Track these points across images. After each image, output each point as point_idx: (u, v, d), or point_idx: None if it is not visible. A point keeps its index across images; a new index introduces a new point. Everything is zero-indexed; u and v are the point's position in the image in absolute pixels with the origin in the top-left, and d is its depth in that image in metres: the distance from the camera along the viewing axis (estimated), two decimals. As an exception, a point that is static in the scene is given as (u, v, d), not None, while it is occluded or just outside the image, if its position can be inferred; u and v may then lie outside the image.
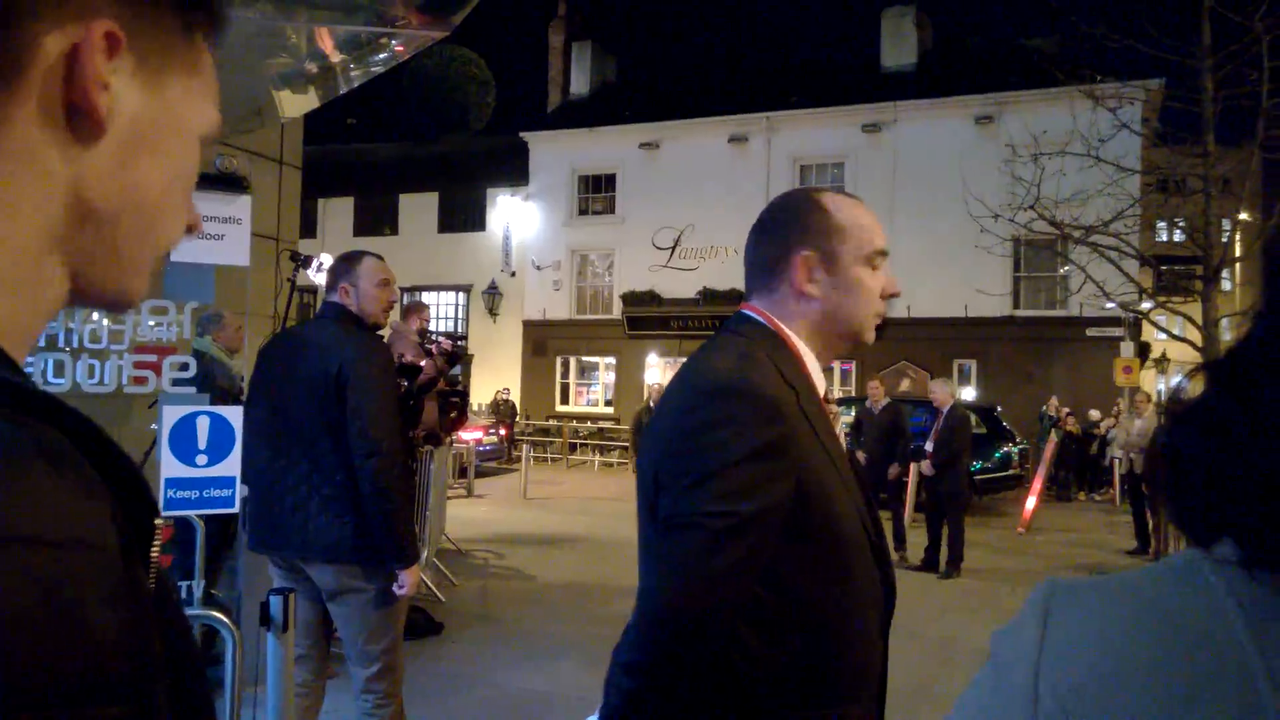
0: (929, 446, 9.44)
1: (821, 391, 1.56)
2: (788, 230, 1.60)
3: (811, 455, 1.42)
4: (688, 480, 1.35)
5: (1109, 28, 10.31)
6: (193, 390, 2.81)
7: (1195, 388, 0.62)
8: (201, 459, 2.86)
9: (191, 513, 2.94)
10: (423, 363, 6.47)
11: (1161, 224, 14.85)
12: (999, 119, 21.25)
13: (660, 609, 1.33)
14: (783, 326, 1.56)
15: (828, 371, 1.72)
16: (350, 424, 3.09)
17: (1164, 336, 11.14)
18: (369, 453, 3.07)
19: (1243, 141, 10.26)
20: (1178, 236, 12.76)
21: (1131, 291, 11.31)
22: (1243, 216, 11.21)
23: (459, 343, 7.34)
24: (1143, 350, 14.61)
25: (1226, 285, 9.99)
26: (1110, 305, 12.00)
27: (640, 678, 1.33)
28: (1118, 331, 17.66)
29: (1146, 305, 12.12)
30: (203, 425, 2.84)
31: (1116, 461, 13.95)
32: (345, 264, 3.37)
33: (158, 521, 0.52)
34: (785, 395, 1.42)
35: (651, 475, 1.44)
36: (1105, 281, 10.95)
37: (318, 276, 5.62)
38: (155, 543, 0.52)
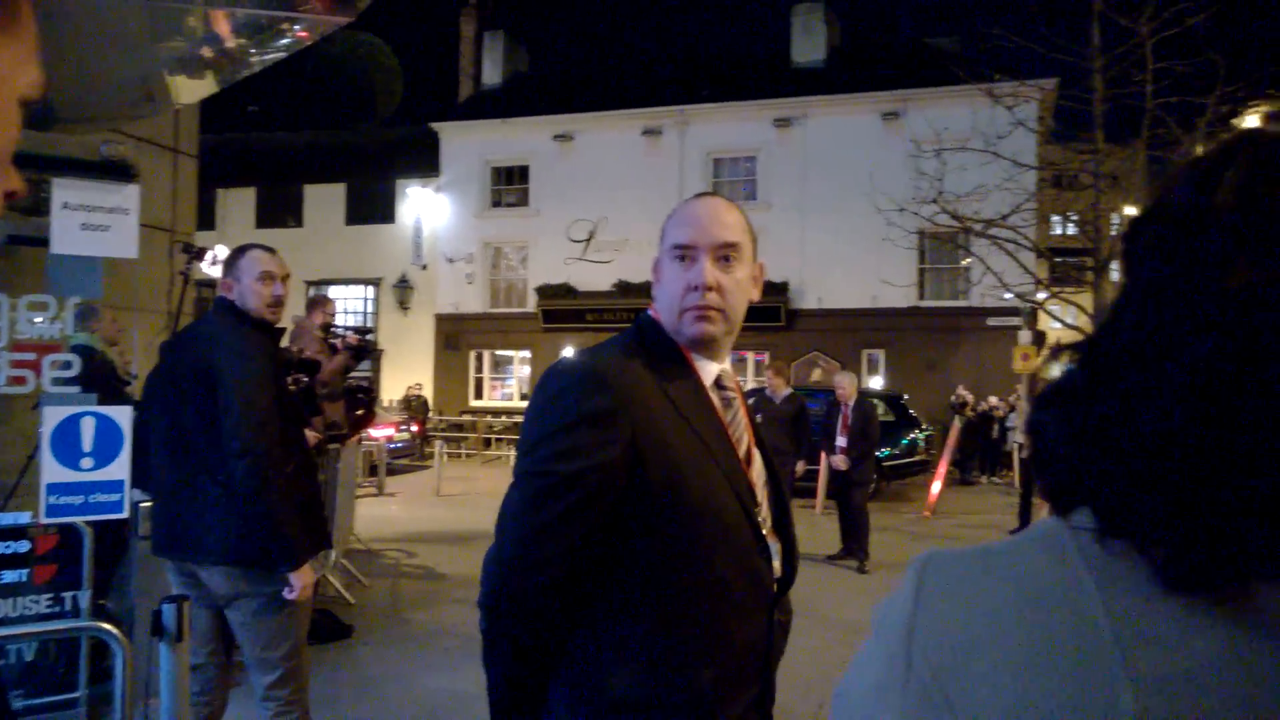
0: (842, 441, 9.43)
1: (710, 379, 1.65)
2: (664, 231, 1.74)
3: (661, 430, 1.51)
4: (524, 447, 1.54)
5: (1006, 29, 10.68)
6: (76, 389, 2.65)
7: (1056, 367, 0.66)
8: (86, 462, 2.71)
9: (77, 519, 2.78)
10: (325, 358, 6.32)
11: (1056, 218, 15.44)
12: (904, 115, 21.78)
13: (493, 555, 1.51)
14: (661, 319, 1.68)
15: (738, 363, 1.77)
16: (223, 421, 2.99)
17: (1059, 325, 11.56)
18: (239, 452, 2.97)
19: (1130, 139, 10.74)
20: (1071, 230, 13.29)
21: (1028, 282, 11.74)
22: (1130, 211, 11.70)
23: (366, 337, 7.17)
24: (1039, 338, 15.19)
25: (1115, 276, 10.40)
26: (1008, 296, 12.43)
27: (489, 616, 1.53)
28: (1016, 321, 18.30)
29: (1042, 295, 12.59)
30: (88, 426, 2.70)
31: (1017, 446, 14.40)
32: (230, 258, 3.25)
33: None
34: (626, 374, 1.53)
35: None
36: (1004, 273, 11.34)
37: (213, 270, 5.42)
38: None
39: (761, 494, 1.64)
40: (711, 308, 1.60)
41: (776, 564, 1.62)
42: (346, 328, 7.28)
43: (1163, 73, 9.97)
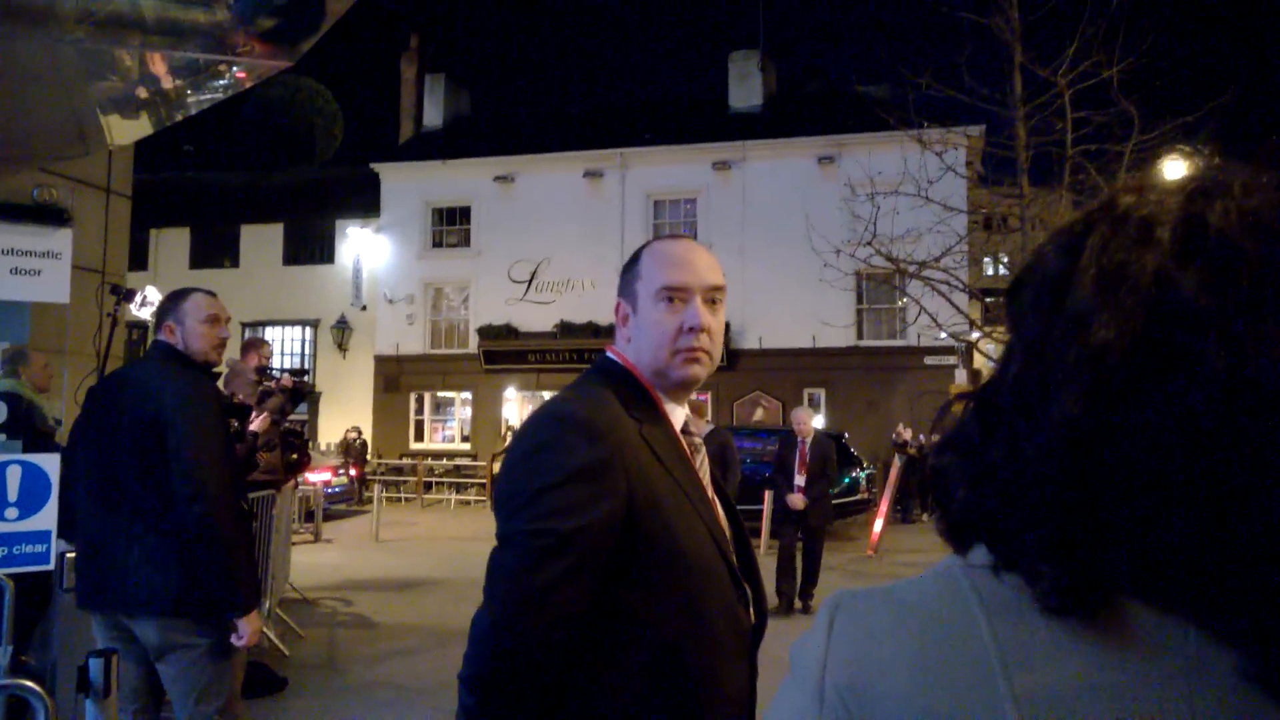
0: (800, 479, 8.78)
1: (678, 424, 1.63)
2: (620, 281, 1.71)
3: (650, 480, 1.48)
4: (515, 502, 1.44)
5: (934, 78, 11.06)
6: (2, 437, 2.58)
7: (955, 413, 0.72)
8: (11, 512, 2.62)
9: (1, 571, 2.69)
10: (255, 403, 6.22)
11: (987, 259, 15.88)
12: (839, 160, 22.30)
13: (488, 624, 1.39)
14: (632, 365, 1.64)
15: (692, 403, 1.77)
16: (172, 468, 2.95)
17: (993, 364, 11.86)
18: (191, 497, 2.93)
19: (1053, 184, 11.16)
20: (1002, 271, 13.68)
21: (962, 322, 12.03)
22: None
23: (301, 379, 7.05)
24: (975, 377, 15.53)
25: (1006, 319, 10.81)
26: (944, 335, 12.71)
27: (476, 692, 1.39)
28: (952, 360, 18.72)
29: (975, 335, 12.89)
30: (13, 476, 2.61)
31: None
32: (170, 301, 3.22)
33: None
34: (617, 422, 1.49)
35: (495, 502, 1.51)
36: (938, 313, 11.61)
37: (141, 311, 5.31)
38: None
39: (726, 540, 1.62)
40: (703, 350, 1.60)
41: (750, 611, 1.61)
42: (282, 370, 7.17)
43: (1081, 122, 10.42)
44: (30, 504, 2.64)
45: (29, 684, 2.45)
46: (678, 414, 1.64)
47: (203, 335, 3.17)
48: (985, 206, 12.80)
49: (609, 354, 1.68)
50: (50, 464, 2.67)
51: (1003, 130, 11.18)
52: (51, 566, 2.73)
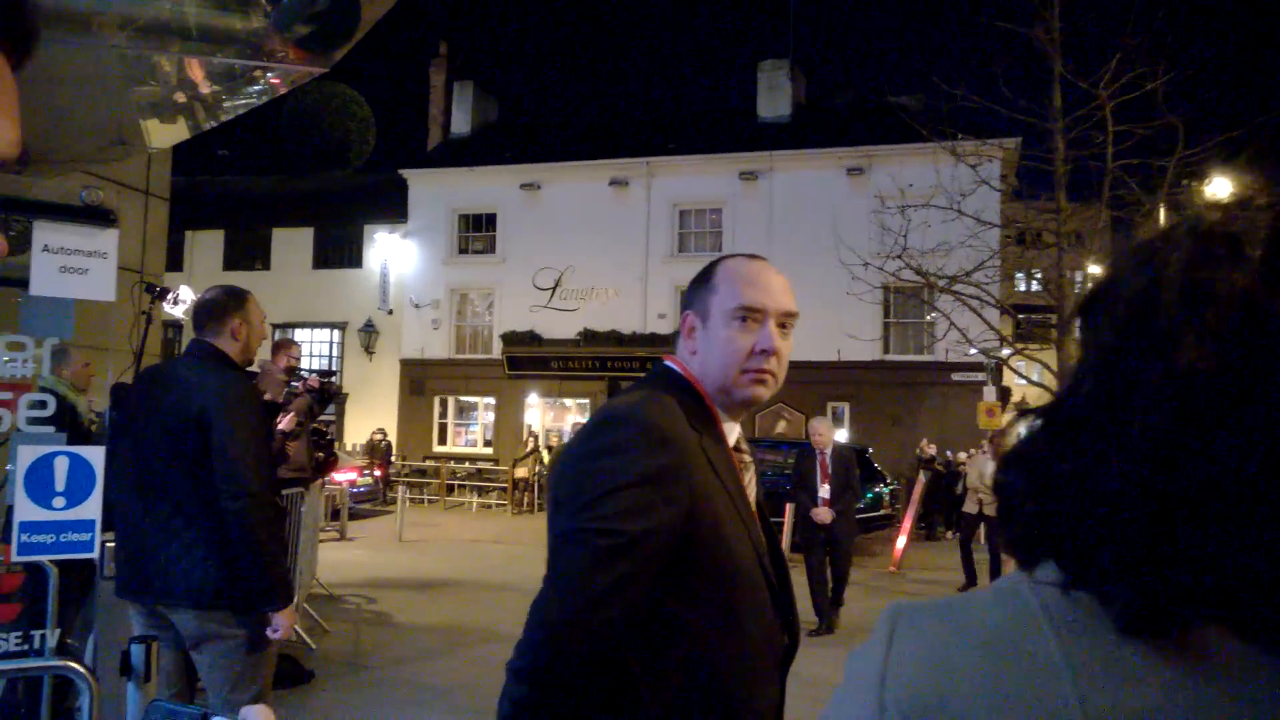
0: (824, 492, 8.55)
1: (731, 441, 1.64)
2: (688, 292, 1.71)
3: (708, 493, 1.48)
4: (581, 500, 1.43)
5: (969, 89, 10.97)
6: (51, 429, 2.64)
7: (1019, 430, 0.71)
8: (59, 501, 2.68)
9: (44, 558, 2.76)
10: (286, 400, 6.31)
11: (1020, 275, 15.72)
12: (868, 171, 22.23)
13: (545, 619, 1.38)
14: (695, 378, 1.64)
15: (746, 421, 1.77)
16: (215, 465, 3.03)
17: (1023, 382, 11.73)
18: (235, 494, 3.01)
19: (1092, 199, 11.01)
20: (1035, 287, 13.54)
21: (992, 339, 11.92)
22: (1093, 269, 11.95)
23: (329, 379, 7.14)
24: (1004, 394, 15.35)
25: (1078, 334, 10.62)
26: (973, 351, 12.60)
27: (525, 684, 1.38)
28: (981, 376, 18.55)
29: (1006, 352, 12.77)
30: (61, 466, 2.67)
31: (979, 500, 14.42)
32: (234, 301, 3.33)
33: None
34: (682, 431, 1.50)
35: (553, 500, 1.50)
36: (968, 329, 11.51)
37: (174, 310, 5.38)
38: None
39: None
40: (771, 373, 1.61)
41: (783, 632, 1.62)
42: (310, 371, 7.25)
43: (1123, 135, 10.26)
44: (76, 494, 2.70)
45: (75, 666, 2.52)
46: (732, 431, 1.65)
47: (262, 335, 3.34)
48: (1019, 220, 12.66)
49: (669, 364, 1.69)
50: (96, 456, 2.73)
51: (1040, 143, 11.05)
52: (96, 555, 2.79)
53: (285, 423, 6.53)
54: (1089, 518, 0.61)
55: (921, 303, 17.28)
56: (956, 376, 20.36)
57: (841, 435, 21.65)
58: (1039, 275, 11.80)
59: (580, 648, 1.36)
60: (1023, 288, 18.58)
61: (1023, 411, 0.72)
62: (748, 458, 1.68)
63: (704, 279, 1.68)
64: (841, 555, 8.61)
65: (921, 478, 15.02)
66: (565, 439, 22.79)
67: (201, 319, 3.28)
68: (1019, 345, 12.33)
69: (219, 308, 3.30)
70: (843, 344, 21.11)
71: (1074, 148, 10.65)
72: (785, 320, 1.63)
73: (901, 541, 13.26)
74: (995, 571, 11.04)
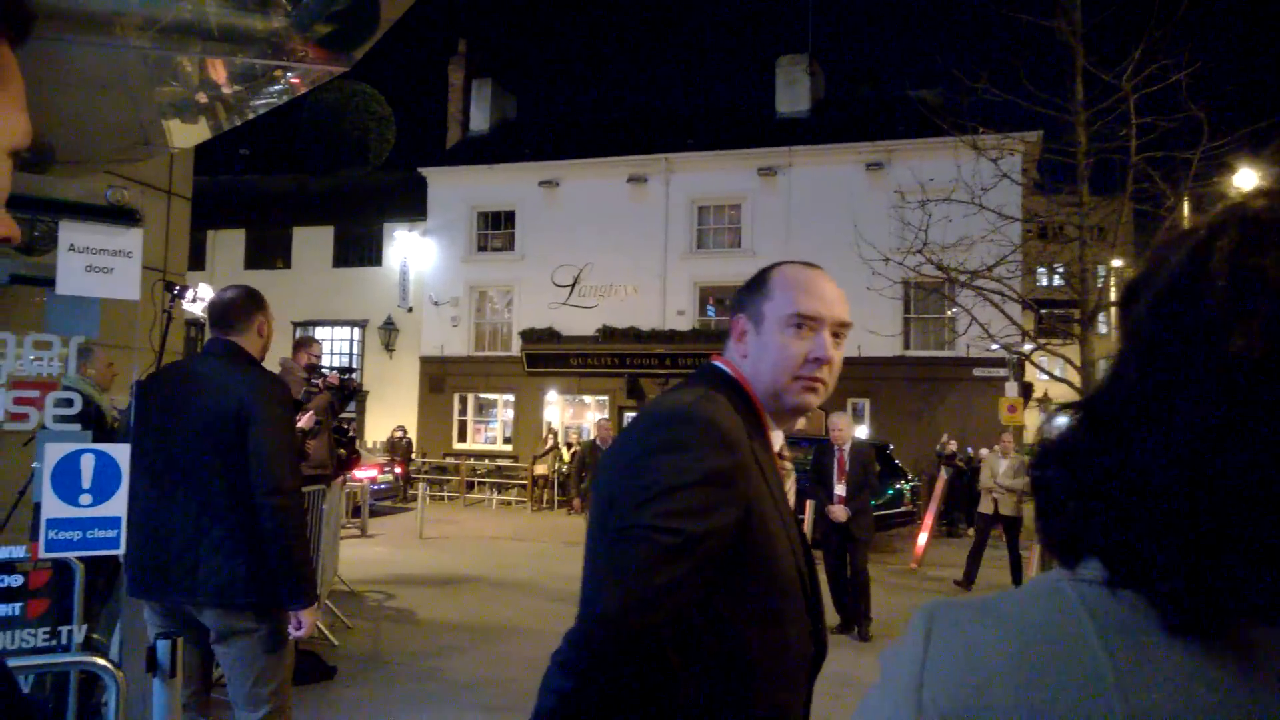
0: (840, 490, 8.38)
1: (776, 446, 1.64)
2: (740, 294, 1.71)
3: (760, 496, 1.48)
4: (642, 496, 1.40)
5: (990, 82, 10.86)
6: (77, 427, 2.67)
7: (1056, 424, 0.70)
8: (85, 498, 2.71)
9: (71, 554, 2.79)
10: (306, 398, 6.38)
11: (1041, 269, 15.57)
12: (888, 165, 22.11)
13: (600, 614, 1.36)
14: (745, 378, 1.64)
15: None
16: (251, 462, 3.09)
17: (1045, 377, 11.62)
18: (272, 490, 3.07)
19: (1115, 192, 10.89)
20: (1057, 281, 13.42)
21: (1014, 334, 11.82)
22: (1116, 263, 11.85)
23: (348, 376, 7.18)
24: (1026, 390, 15.21)
25: (1103, 329, 10.50)
26: (995, 347, 12.50)
27: (575, 678, 1.36)
28: (1002, 372, 18.44)
29: (1028, 347, 12.65)
30: (87, 464, 2.70)
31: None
32: (257, 301, 3.41)
33: None
34: (740, 434, 1.49)
35: (607, 495, 1.48)
36: (990, 324, 11.42)
37: (192, 307, 5.42)
38: None
39: None
40: (822, 381, 1.62)
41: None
42: (330, 368, 7.30)
43: (1146, 128, 10.14)
44: (102, 491, 2.73)
45: (102, 661, 2.55)
46: (777, 437, 1.65)
47: (273, 335, 3.44)
48: (1041, 214, 12.54)
49: (719, 364, 1.68)
50: (121, 453, 2.76)
51: (1061, 136, 10.91)
52: (121, 551, 2.83)
53: (304, 420, 6.58)
54: (1135, 512, 0.60)
55: (942, 298, 17.19)
56: (978, 372, 20.23)
57: (862, 431, 21.57)
58: (1061, 269, 11.65)
59: (632, 644, 1.35)
60: (1045, 282, 18.41)
61: (1060, 406, 0.71)
62: (789, 464, 1.70)
63: (758, 284, 1.68)
64: (858, 556, 8.37)
65: (943, 474, 14.94)
66: (585, 436, 22.83)
67: (228, 318, 3.31)
68: (1041, 340, 12.20)
69: (244, 306, 3.34)
70: (863, 339, 20.98)
71: (1096, 141, 10.52)
72: (839, 330, 1.64)
73: (923, 539, 13.19)
74: (1016, 572, 10.95)
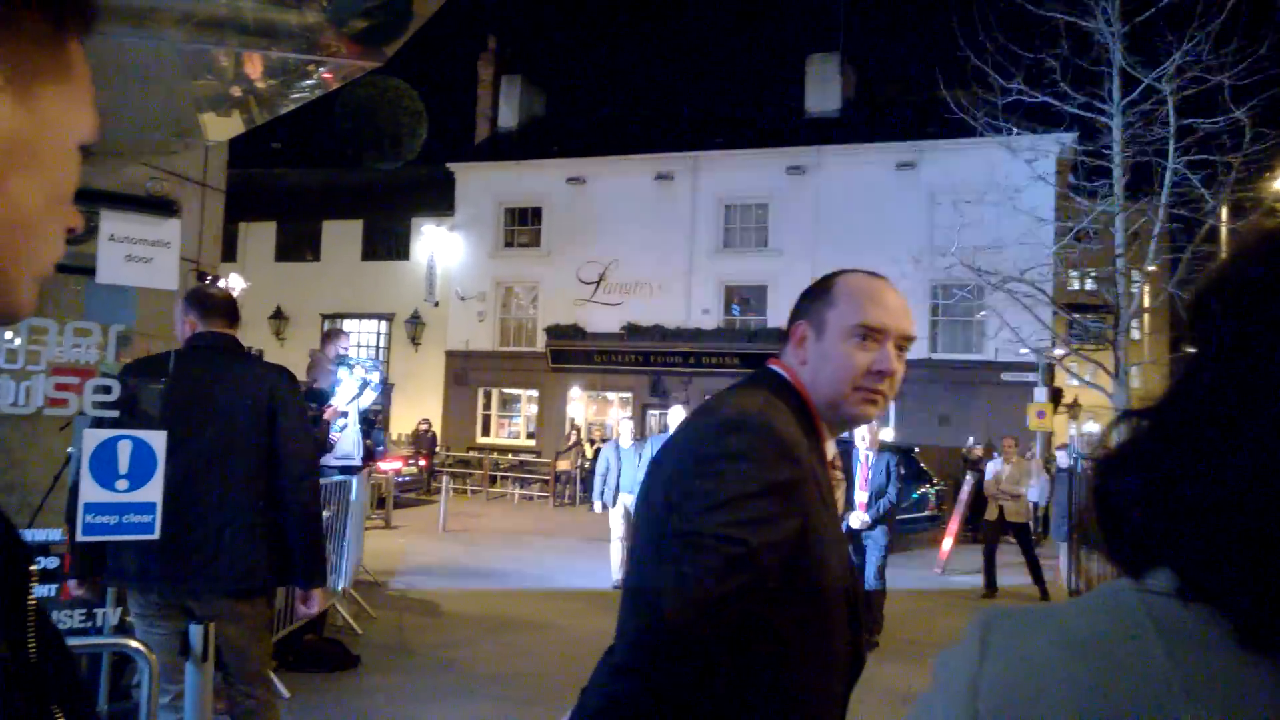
0: (862, 496, 7.79)
1: (830, 456, 1.62)
2: (802, 300, 1.69)
3: (815, 508, 1.46)
4: (706, 502, 1.38)
5: (1025, 82, 10.74)
6: (115, 413, 2.72)
7: (1116, 433, 0.68)
8: (122, 484, 2.76)
9: (108, 538, 2.83)
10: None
11: (1074, 273, 15.37)
12: (919, 166, 21.95)
13: (661, 620, 1.34)
14: (803, 386, 1.62)
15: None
16: (284, 447, 3.21)
17: (1076, 382, 11.47)
18: (305, 472, 3.25)
19: (1151, 195, 10.72)
20: (1089, 286, 13.26)
21: (1045, 338, 11.69)
22: (1151, 268, 11.69)
23: (374, 371, 7.25)
24: (1055, 395, 15.02)
25: (1135, 335, 10.34)
26: (1025, 351, 12.38)
27: (628, 681, 1.34)
28: (1032, 376, 18.24)
29: (1059, 352, 12.52)
30: (124, 449, 2.75)
31: (1032, 505, 14.07)
32: (233, 305, 3.49)
33: (32, 567, 0.50)
34: (802, 443, 1.48)
35: (663, 497, 1.46)
36: (1020, 328, 11.30)
37: None
38: (30, 589, 0.50)
39: None
40: (883, 394, 1.60)
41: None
42: (358, 360, 7.35)
43: (1185, 130, 9.96)
44: (139, 476, 2.77)
45: (135, 644, 2.58)
46: (831, 447, 1.64)
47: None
48: (1075, 217, 12.40)
49: (777, 369, 1.65)
50: (157, 440, 2.80)
51: (1097, 138, 10.77)
52: (157, 536, 2.86)
53: (328, 413, 6.66)
54: (1210, 523, 0.58)
55: (971, 300, 17.06)
56: (1006, 376, 20.04)
57: (888, 434, 21.44)
58: (1094, 274, 11.51)
59: (692, 651, 1.33)
60: (1077, 286, 18.18)
61: (1124, 413, 0.68)
62: (839, 474, 1.68)
63: (822, 290, 1.66)
64: (876, 568, 7.95)
65: (969, 479, 14.82)
66: (609, 433, 22.87)
67: (232, 314, 3.35)
68: (1074, 345, 12.05)
69: (229, 308, 3.38)
70: (889, 341, 20.83)
71: (1133, 143, 10.36)
72: (903, 343, 1.62)
73: (947, 544, 13.09)
74: (1036, 574, 10.81)
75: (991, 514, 11.12)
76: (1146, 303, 12.60)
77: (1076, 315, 12.65)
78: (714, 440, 1.47)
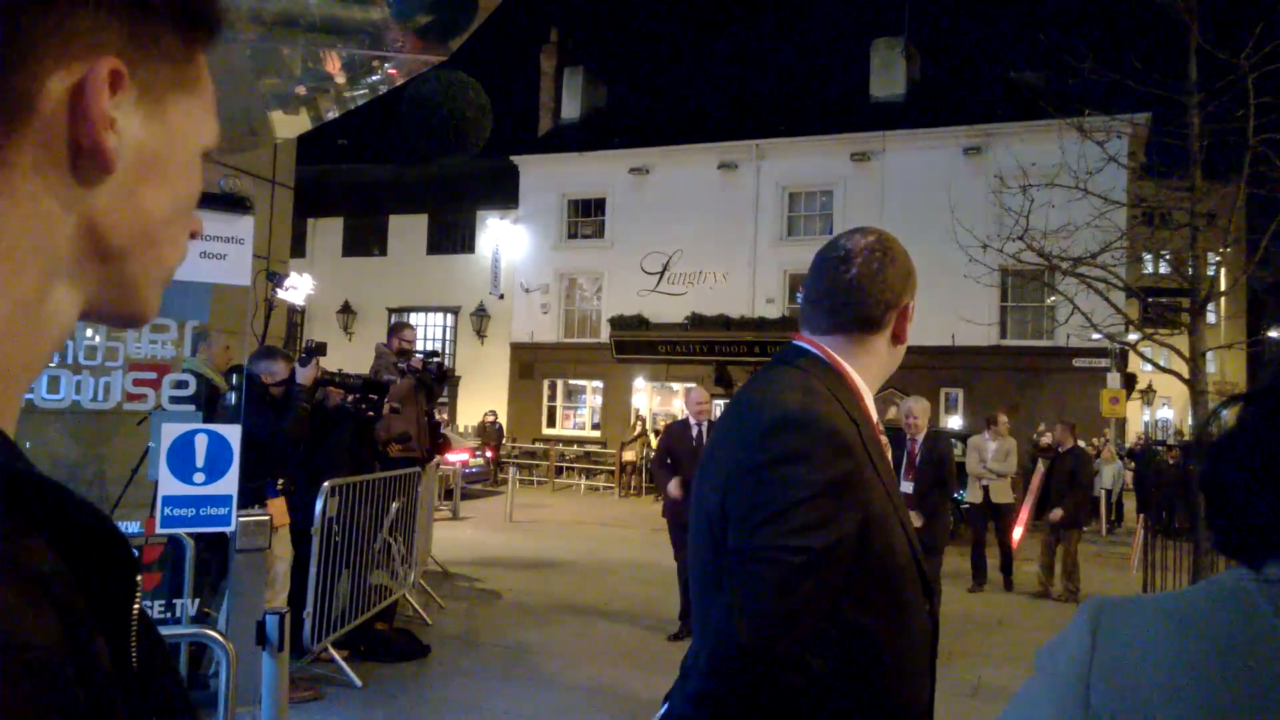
0: (907, 486, 7.13)
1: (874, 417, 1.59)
2: (901, 278, 1.65)
3: (873, 489, 1.43)
4: (761, 514, 1.34)
5: (1097, 62, 10.42)
6: (192, 408, 2.80)
7: (1225, 418, 0.64)
8: (199, 477, 2.84)
9: (184, 530, 2.92)
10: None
11: (1148, 256, 14.90)
12: (987, 150, 21.46)
13: (733, 644, 1.30)
14: (842, 362, 1.56)
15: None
16: None
17: (1150, 368, 11.12)
18: None
19: (1229, 176, 10.34)
20: (1164, 269, 12.83)
21: (1118, 323, 11.36)
22: (1227, 250, 11.26)
23: (431, 359, 7.32)
24: (1129, 381, 14.62)
25: (1211, 319, 9.99)
26: (1097, 336, 12.04)
27: (710, 709, 1.31)
28: (1104, 362, 17.77)
29: (1133, 337, 12.16)
30: (201, 443, 2.82)
31: (1104, 492, 13.73)
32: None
33: (139, 578, 0.51)
34: (851, 429, 1.43)
35: (718, 503, 1.42)
36: (1092, 312, 10.99)
37: (286, 294, 5.64)
38: (136, 597, 0.50)
39: None
40: None
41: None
42: (419, 352, 7.45)
43: (1266, 108, 9.57)
44: (215, 470, 2.85)
45: (213, 634, 2.66)
46: (874, 413, 1.59)
47: None
48: (1149, 199, 12.00)
49: (808, 346, 1.60)
50: (233, 434, 2.87)
51: (1173, 118, 10.38)
52: (232, 528, 2.94)
53: (386, 408, 6.79)
54: None
55: (1041, 286, 16.62)
56: (1078, 363, 19.53)
57: (955, 421, 21.06)
58: (1169, 257, 11.13)
59: (769, 672, 1.29)
60: (1151, 269, 17.62)
61: (1231, 398, 0.66)
62: (884, 437, 1.61)
63: (911, 268, 1.74)
64: (929, 563, 7.62)
65: (1040, 467, 14.48)
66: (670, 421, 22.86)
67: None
68: (1148, 330, 11.68)
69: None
70: (958, 328, 20.49)
71: (1210, 122, 9.96)
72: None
73: (1018, 532, 12.81)
74: (1006, 561, 10.45)
75: (975, 496, 10.79)
76: (1223, 286, 12.16)
77: (1151, 299, 12.26)
78: (761, 445, 1.41)
